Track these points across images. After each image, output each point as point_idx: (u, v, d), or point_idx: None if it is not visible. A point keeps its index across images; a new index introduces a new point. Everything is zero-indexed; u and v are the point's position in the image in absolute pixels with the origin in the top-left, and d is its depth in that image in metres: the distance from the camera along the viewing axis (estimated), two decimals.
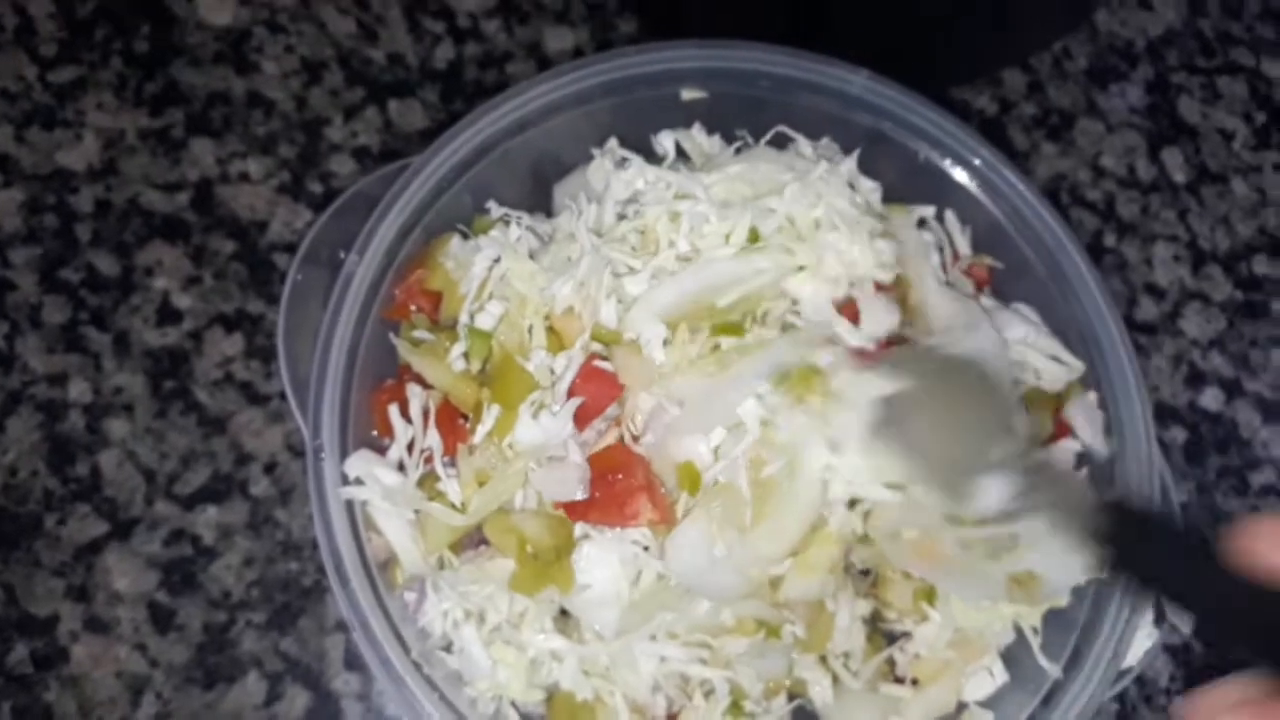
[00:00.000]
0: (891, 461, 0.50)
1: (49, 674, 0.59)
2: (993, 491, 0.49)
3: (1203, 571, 0.39)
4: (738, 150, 0.58)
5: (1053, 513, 0.49)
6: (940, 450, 0.50)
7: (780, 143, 0.59)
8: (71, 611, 0.60)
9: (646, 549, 0.51)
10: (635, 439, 0.52)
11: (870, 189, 0.58)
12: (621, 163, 0.56)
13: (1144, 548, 0.42)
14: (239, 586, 0.62)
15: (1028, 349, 0.58)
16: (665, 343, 0.51)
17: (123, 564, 0.62)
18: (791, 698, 0.54)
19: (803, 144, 0.59)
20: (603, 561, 0.51)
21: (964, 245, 0.62)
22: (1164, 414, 0.75)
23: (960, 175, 0.60)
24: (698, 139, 0.59)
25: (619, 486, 0.51)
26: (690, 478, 0.51)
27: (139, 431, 0.64)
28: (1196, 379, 0.77)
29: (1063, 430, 0.56)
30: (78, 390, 0.65)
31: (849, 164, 0.57)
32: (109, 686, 0.59)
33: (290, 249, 0.69)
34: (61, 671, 0.59)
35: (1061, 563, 0.53)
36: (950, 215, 0.62)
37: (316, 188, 0.71)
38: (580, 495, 0.51)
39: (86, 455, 0.63)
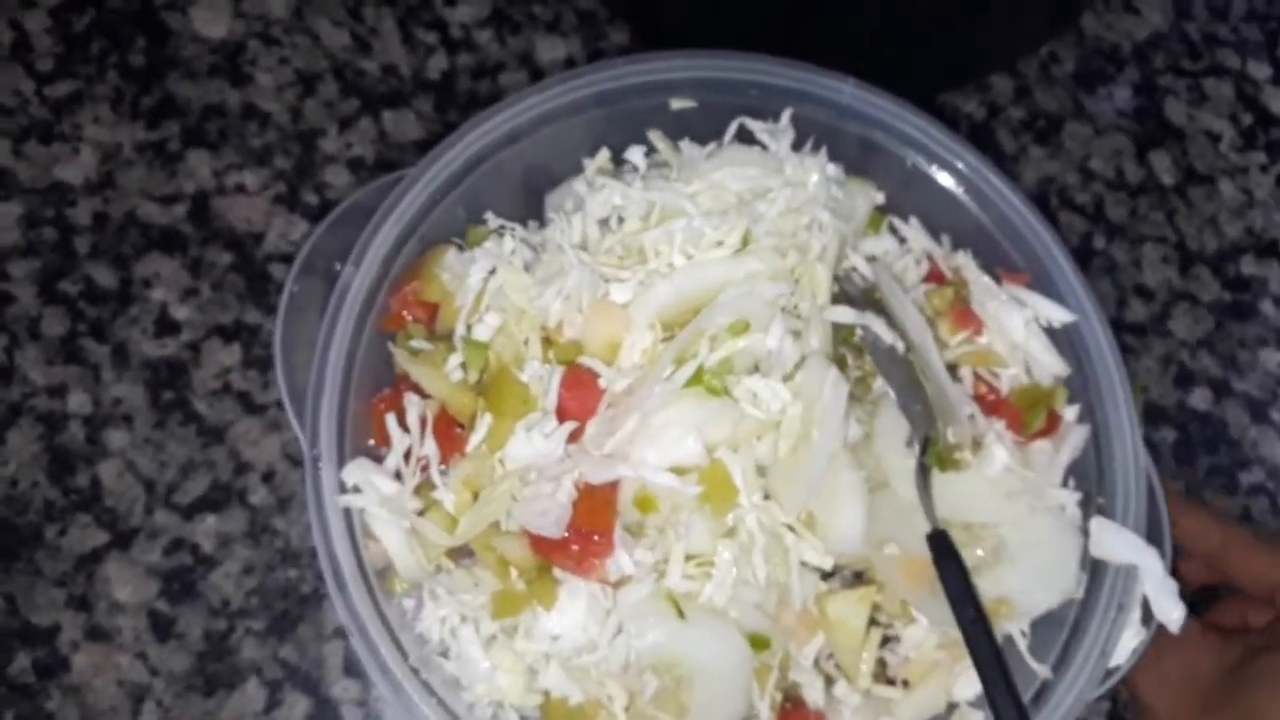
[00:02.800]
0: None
1: (50, 683, 0.60)
2: None
3: None
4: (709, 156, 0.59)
5: None
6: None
7: (746, 137, 0.59)
8: (72, 621, 0.61)
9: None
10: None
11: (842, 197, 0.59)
12: (595, 185, 0.57)
13: None
14: (238, 595, 0.63)
15: (1030, 335, 0.58)
16: (643, 351, 0.52)
17: (123, 573, 0.62)
18: (786, 699, 0.55)
19: (775, 141, 0.59)
20: (571, 609, 0.51)
21: (920, 239, 0.62)
22: (1153, 414, 0.76)
23: (947, 181, 0.61)
24: (662, 146, 0.59)
25: (593, 546, 0.50)
26: (647, 504, 0.51)
27: (138, 442, 0.65)
28: (1185, 379, 0.77)
29: (1053, 424, 0.57)
30: (77, 401, 0.65)
31: (834, 170, 0.58)
32: (110, 695, 0.60)
33: (287, 260, 0.70)
34: (63, 680, 0.60)
35: (1037, 586, 0.54)
36: (914, 221, 0.62)
37: (312, 199, 0.72)
38: (555, 534, 0.50)
39: (86, 466, 0.64)
